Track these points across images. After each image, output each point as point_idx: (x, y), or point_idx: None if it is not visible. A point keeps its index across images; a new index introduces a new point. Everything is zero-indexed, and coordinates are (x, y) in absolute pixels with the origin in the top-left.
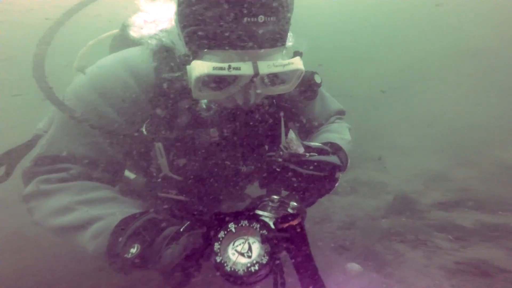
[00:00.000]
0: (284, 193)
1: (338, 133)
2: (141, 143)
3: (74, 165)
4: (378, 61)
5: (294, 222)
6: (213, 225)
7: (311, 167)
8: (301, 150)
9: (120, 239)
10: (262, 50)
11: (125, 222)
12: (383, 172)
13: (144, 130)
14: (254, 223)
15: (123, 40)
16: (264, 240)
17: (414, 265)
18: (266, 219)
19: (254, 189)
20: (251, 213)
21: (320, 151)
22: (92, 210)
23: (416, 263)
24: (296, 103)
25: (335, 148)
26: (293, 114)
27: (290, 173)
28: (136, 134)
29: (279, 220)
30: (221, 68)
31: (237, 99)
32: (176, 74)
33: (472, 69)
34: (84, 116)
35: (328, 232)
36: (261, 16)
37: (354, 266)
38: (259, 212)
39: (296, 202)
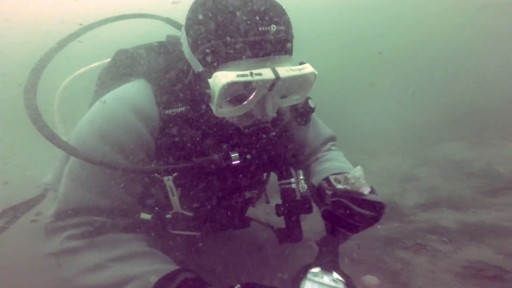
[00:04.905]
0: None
1: (341, 162)
2: (151, 184)
3: (96, 217)
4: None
5: None
6: None
7: (366, 206)
8: (366, 190)
9: None
10: (278, 57)
11: (161, 284)
12: None
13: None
14: None
15: (115, 71)
16: None
17: (423, 272)
18: None
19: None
20: None
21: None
22: (126, 268)
23: (423, 269)
24: (289, 128)
25: None
26: (289, 140)
27: (342, 210)
28: (146, 176)
29: None
30: (244, 75)
31: (256, 114)
32: (180, 110)
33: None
34: (99, 160)
35: None
36: (273, 25)
37: (371, 279)
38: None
39: (338, 273)
